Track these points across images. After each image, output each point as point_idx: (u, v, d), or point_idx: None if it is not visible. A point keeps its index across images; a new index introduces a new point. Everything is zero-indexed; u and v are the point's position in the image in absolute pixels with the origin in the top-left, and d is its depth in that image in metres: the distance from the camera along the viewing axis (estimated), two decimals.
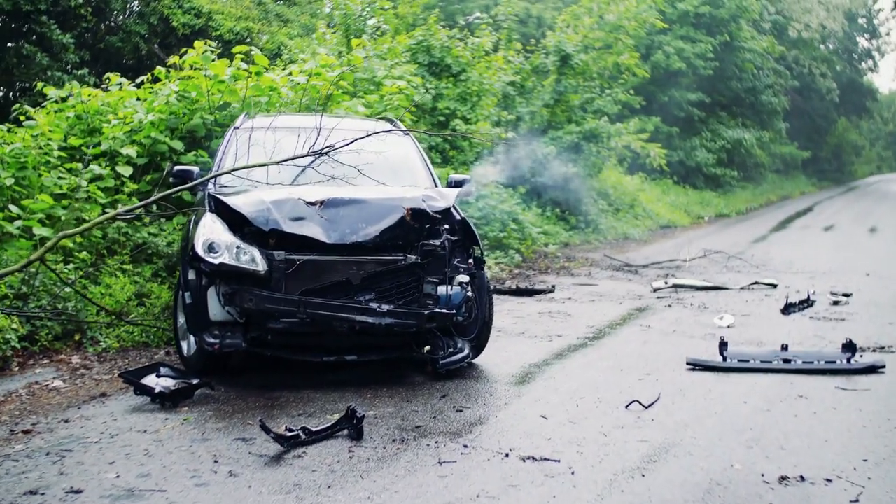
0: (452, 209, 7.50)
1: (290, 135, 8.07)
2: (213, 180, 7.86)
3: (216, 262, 6.65)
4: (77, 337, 8.37)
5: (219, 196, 7.14)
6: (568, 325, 9.68)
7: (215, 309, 6.79)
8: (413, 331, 6.90)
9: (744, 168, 35.96)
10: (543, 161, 19.58)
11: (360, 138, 7.72)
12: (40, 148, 10.04)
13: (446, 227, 7.29)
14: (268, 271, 6.67)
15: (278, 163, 7.63)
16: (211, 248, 6.70)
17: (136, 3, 20.51)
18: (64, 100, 11.58)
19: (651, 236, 21.37)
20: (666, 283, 12.49)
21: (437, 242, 7.08)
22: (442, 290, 7.02)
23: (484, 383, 7.05)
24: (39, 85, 12.65)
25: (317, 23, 17.05)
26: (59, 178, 9.92)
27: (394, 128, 8.58)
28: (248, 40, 20.24)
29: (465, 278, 7.16)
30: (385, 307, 6.72)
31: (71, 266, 8.94)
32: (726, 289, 12.51)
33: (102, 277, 9.19)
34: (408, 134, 8.98)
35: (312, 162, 7.86)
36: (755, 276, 13.55)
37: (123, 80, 12.30)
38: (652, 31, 28.70)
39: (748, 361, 7.56)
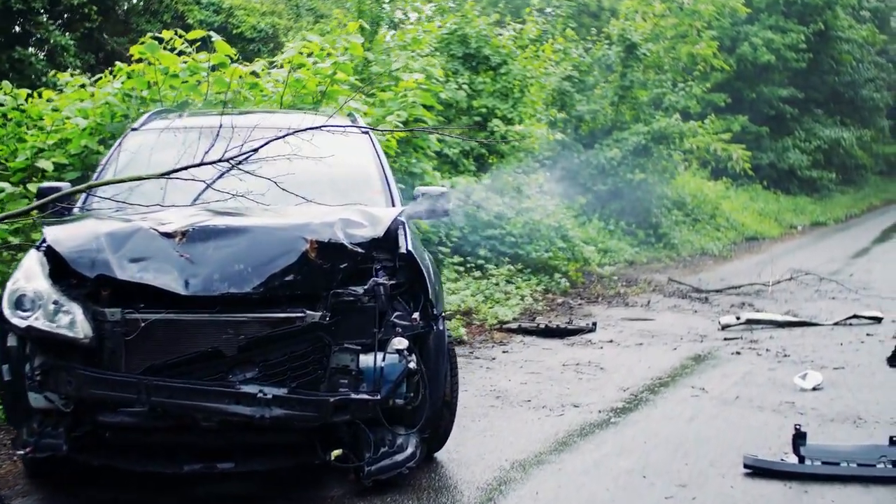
0: (400, 238, 5.15)
1: (205, 138, 5.82)
2: (81, 201, 5.73)
3: (24, 324, 4.47)
4: None
5: (45, 226, 4.95)
6: (594, 387, 7.21)
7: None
8: (316, 425, 4.59)
9: (843, 170, 32.63)
10: (606, 166, 17.15)
11: (270, 140, 5.42)
12: None
13: (382, 265, 4.97)
14: (96, 338, 4.46)
15: (159, 176, 5.40)
16: (19, 302, 4.53)
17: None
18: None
19: (733, 251, 18.60)
20: (738, 318, 9.90)
21: (359, 290, 4.75)
22: (367, 360, 4.68)
23: (428, 502, 4.70)
24: None
25: (334, 10, 14.80)
26: None
27: (329, 125, 6.10)
28: (273, 38, 18.18)
29: (403, 343, 4.77)
30: (271, 391, 4.42)
31: None
32: (816, 325, 9.87)
33: None
34: (366, 132, 6.66)
35: (224, 173, 5.63)
36: (853, 306, 10.84)
37: (82, 78, 10.31)
38: (737, 21, 26.01)
39: (838, 464, 5.04)
